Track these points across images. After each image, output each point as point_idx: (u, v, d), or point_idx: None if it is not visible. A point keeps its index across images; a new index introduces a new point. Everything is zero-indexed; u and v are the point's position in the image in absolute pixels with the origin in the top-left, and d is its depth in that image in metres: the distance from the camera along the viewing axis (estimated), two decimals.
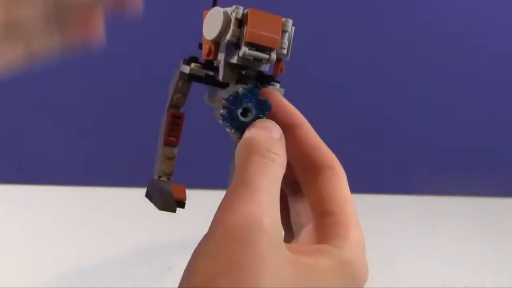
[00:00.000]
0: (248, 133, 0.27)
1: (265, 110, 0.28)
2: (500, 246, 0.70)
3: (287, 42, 0.28)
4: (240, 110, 0.27)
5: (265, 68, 0.29)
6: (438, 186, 0.84)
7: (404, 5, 0.77)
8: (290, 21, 0.28)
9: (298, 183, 0.29)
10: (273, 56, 0.28)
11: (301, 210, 0.29)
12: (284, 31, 0.28)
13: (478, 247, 0.69)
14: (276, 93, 0.29)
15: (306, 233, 0.27)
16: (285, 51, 0.29)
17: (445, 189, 0.84)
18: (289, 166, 0.27)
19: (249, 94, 0.27)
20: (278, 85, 0.31)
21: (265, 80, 0.30)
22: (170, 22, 0.73)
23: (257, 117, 0.27)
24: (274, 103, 0.28)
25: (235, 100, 0.27)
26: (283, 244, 0.23)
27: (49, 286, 0.55)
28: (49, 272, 0.59)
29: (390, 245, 0.66)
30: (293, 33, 0.29)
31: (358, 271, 0.25)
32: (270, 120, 0.27)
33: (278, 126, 0.27)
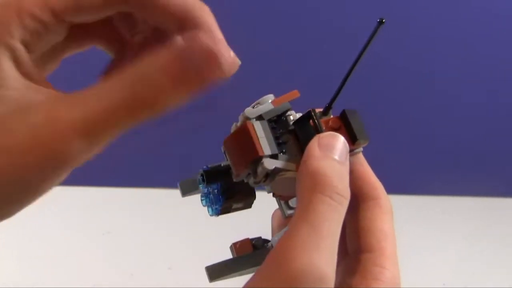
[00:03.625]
0: (317, 160, 0.24)
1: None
2: (500, 246, 0.70)
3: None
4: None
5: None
6: (438, 186, 0.84)
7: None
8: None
9: None
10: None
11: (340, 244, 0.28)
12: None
13: (478, 247, 0.69)
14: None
15: (342, 268, 0.26)
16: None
17: (445, 189, 0.84)
18: None
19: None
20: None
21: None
22: None
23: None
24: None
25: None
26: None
27: (49, 286, 0.55)
28: (49, 272, 0.59)
29: None
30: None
31: None
32: (336, 134, 0.25)
33: (346, 143, 0.25)
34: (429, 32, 0.78)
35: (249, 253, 0.29)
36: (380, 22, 0.26)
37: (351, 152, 0.27)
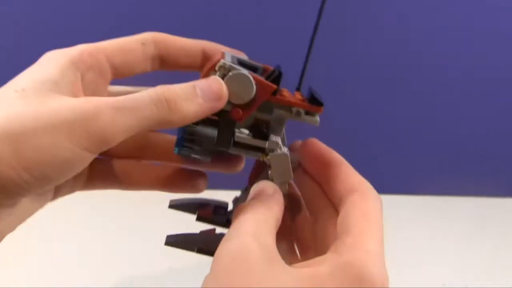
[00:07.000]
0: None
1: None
2: (500, 246, 0.70)
3: None
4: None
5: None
6: (438, 186, 0.84)
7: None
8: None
9: None
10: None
11: None
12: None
13: (478, 247, 0.69)
14: (311, 141, 0.33)
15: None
16: None
17: (445, 189, 0.84)
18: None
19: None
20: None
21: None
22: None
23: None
24: (309, 149, 0.33)
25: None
26: (279, 259, 0.25)
27: (48, 286, 0.55)
28: (49, 272, 0.59)
29: (389, 245, 0.66)
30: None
31: (361, 274, 0.24)
32: (264, 181, 0.32)
33: (272, 184, 0.31)
34: (430, 29, 0.78)
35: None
36: None
37: (310, 114, 0.33)
